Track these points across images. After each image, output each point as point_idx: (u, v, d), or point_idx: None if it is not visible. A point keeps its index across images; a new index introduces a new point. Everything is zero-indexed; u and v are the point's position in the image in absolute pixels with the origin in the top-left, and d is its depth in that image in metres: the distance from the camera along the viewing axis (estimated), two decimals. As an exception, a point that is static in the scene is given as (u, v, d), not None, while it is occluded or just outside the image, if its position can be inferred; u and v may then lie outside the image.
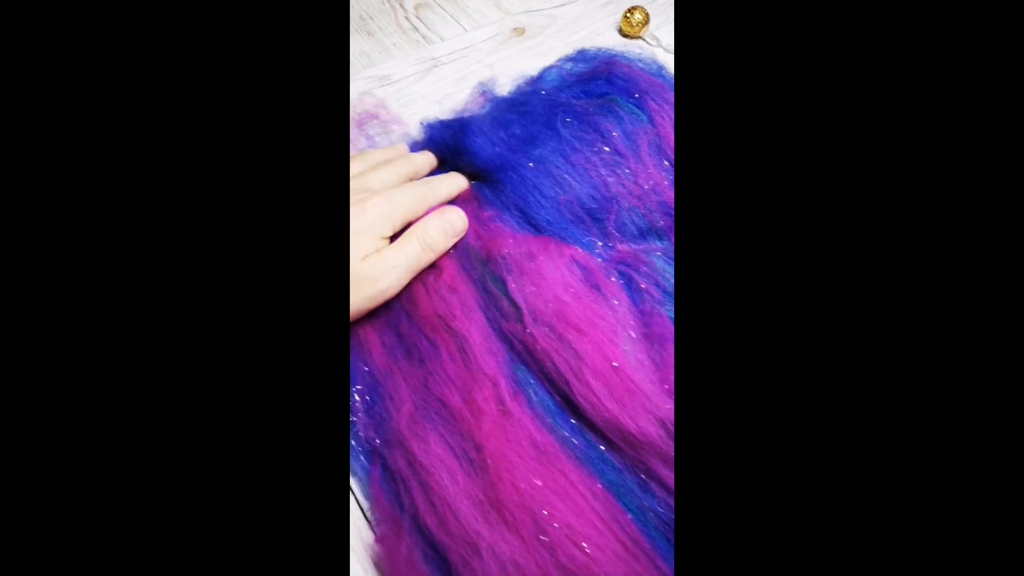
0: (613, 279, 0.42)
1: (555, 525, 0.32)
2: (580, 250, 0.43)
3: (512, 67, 0.63)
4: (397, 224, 0.41)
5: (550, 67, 0.58)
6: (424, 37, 0.68)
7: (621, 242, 0.47)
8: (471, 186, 0.48)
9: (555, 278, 0.39)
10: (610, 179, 0.47)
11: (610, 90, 0.54)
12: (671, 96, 0.52)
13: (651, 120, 0.51)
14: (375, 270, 0.39)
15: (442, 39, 0.67)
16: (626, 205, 0.47)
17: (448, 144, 0.51)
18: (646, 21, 0.65)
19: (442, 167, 0.51)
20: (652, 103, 0.51)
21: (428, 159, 0.51)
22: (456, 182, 0.48)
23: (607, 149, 0.49)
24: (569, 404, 0.37)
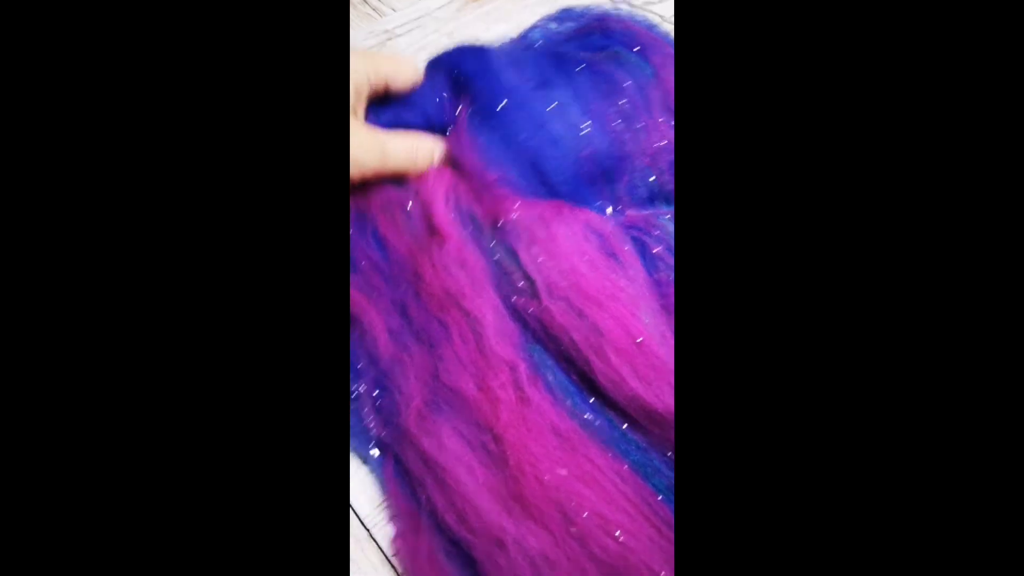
0: (627, 247, 0.40)
1: (584, 515, 0.30)
2: (593, 214, 0.40)
3: (472, 35, 0.60)
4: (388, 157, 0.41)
5: (533, 27, 0.54)
6: (375, 10, 0.65)
7: (630, 206, 0.45)
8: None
9: (570, 246, 0.37)
10: (626, 135, 0.45)
11: (610, 43, 0.51)
12: (671, 52, 0.49)
13: (656, 75, 0.48)
14: (358, 136, 0.39)
15: (394, 10, 0.64)
16: (639, 165, 0.45)
17: (464, 73, 0.46)
18: None
19: (453, 101, 0.47)
20: (655, 57, 0.49)
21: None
22: (429, 145, 0.44)
23: (623, 102, 0.46)
24: (588, 383, 0.35)
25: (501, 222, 0.38)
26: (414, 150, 0.43)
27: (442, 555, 0.31)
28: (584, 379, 0.35)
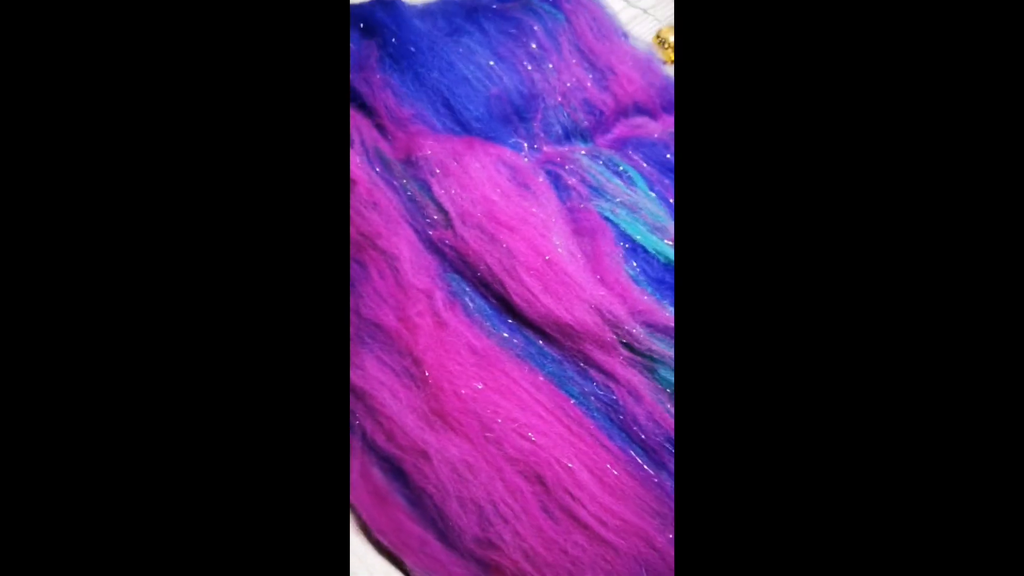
0: (541, 179, 0.41)
1: (499, 421, 0.32)
2: (506, 149, 0.42)
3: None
4: None
5: None
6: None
7: (547, 144, 0.47)
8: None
9: (482, 177, 0.39)
10: (536, 75, 0.46)
11: None
12: None
13: (568, 19, 0.50)
14: None
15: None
16: (551, 103, 0.47)
17: (375, 23, 0.47)
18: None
19: (377, 47, 0.47)
20: (567, 4, 0.50)
21: None
22: None
23: (533, 45, 0.47)
24: (505, 305, 0.37)
25: (413, 158, 0.39)
26: None
27: (376, 471, 0.33)
28: (500, 301, 0.37)
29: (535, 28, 0.49)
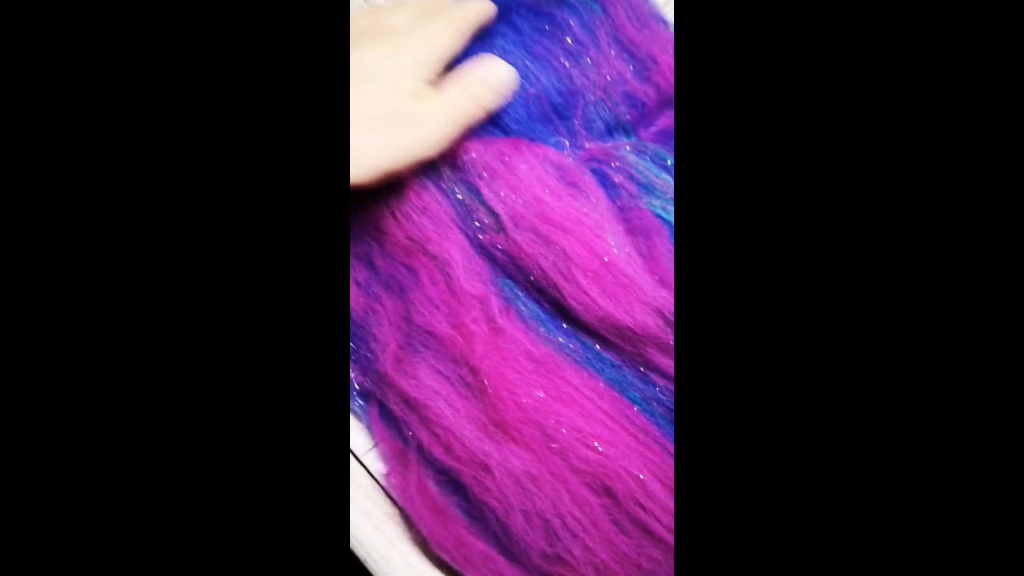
0: (587, 177, 0.40)
1: (563, 431, 0.31)
2: (551, 149, 0.41)
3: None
4: (436, 65, 0.35)
5: None
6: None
7: (588, 140, 0.46)
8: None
9: (531, 178, 0.37)
10: (574, 71, 0.45)
11: None
12: None
13: (604, 10, 0.49)
14: (427, 111, 0.33)
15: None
16: (591, 99, 0.45)
17: None
18: None
19: None
20: None
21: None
22: (480, 8, 0.40)
23: (568, 40, 0.46)
24: (559, 309, 0.36)
25: (459, 161, 0.38)
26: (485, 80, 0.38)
27: (432, 484, 0.32)
28: (555, 305, 0.36)
29: (571, 22, 0.48)
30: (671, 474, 0.30)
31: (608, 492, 0.30)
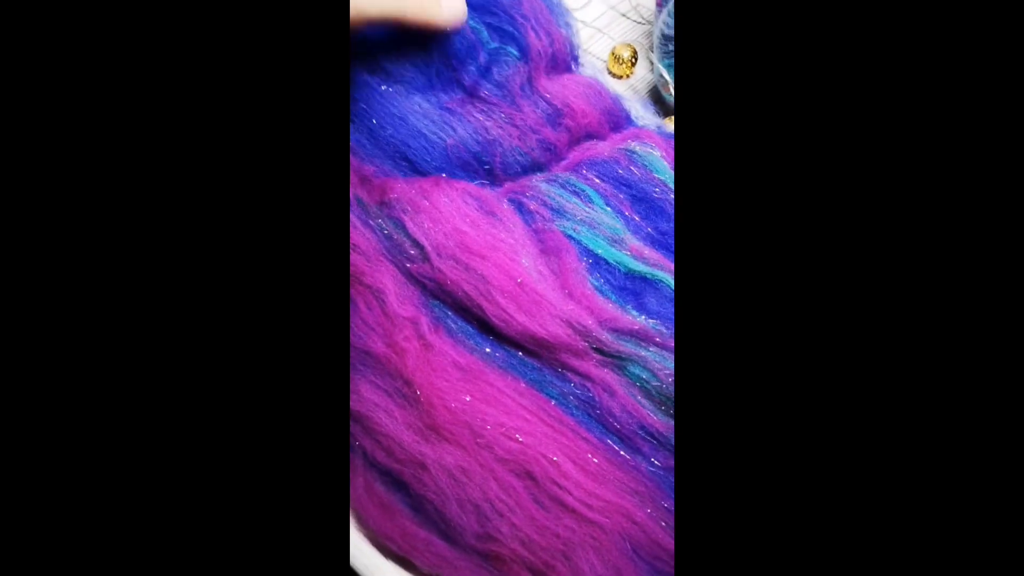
0: (505, 205, 0.45)
1: (488, 427, 0.35)
2: (471, 184, 0.45)
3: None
4: None
5: None
6: None
7: (508, 180, 0.50)
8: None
9: (451, 210, 0.42)
10: (488, 123, 0.49)
11: (491, 5, 0.54)
12: (552, 27, 0.52)
13: (525, 55, 0.51)
14: None
15: None
16: (508, 146, 0.49)
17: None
18: (635, 58, 0.61)
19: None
20: (532, 34, 0.51)
21: None
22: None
23: (484, 91, 0.50)
24: (483, 325, 0.41)
25: (386, 199, 0.43)
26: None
27: (378, 485, 0.36)
28: (480, 323, 0.41)
29: (488, 74, 0.52)
30: (583, 455, 0.35)
31: (529, 475, 0.34)
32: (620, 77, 0.62)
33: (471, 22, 0.50)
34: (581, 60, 0.55)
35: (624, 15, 0.65)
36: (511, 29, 0.51)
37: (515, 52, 0.52)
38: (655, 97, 0.60)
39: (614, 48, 0.61)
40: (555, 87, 0.51)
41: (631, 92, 0.61)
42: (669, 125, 0.55)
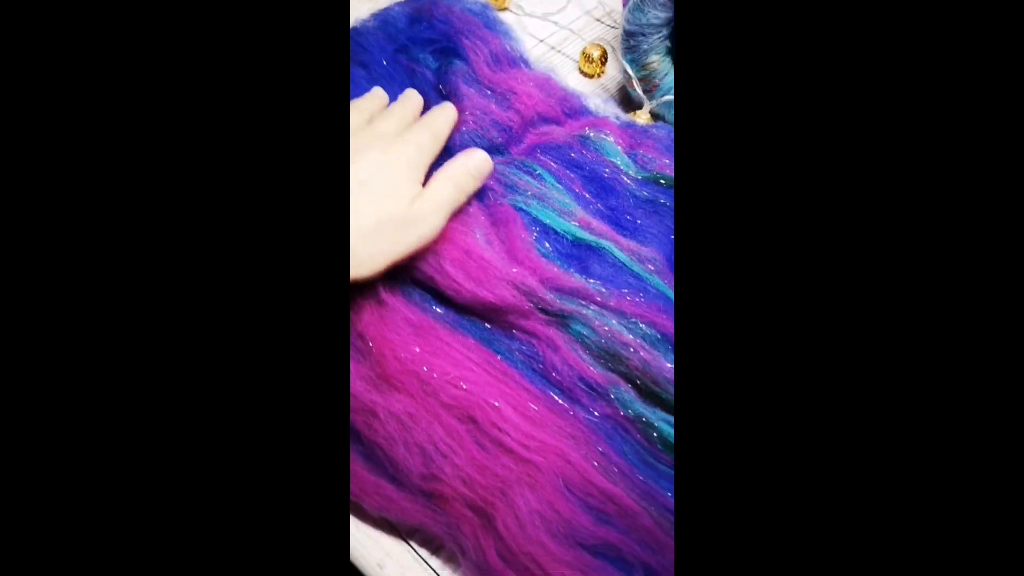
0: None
1: (435, 376, 0.38)
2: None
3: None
4: (424, 167, 0.43)
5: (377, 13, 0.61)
6: None
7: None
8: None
9: None
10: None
11: (432, 35, 0.58)
12: (485, 33, 0.57)
13: (466, 59, 0.55)
14: (423, 212, 0.40)
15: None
16: (465, 129, 0.52)
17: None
18: (604, 57, 0.63)
19: None
20: (466, 41, 0.56)
21: (419, 97, 0.51)
22: (449, 113, 0.49)
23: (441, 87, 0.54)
24: (437, 295, 0.43)
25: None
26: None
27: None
28: (434, 292, 0.43)
29: (428, 76, 0.55)
30: (524, 403, 0.38)
31: (472, 420, 0.36)
32: (591, 76, 0.65)
33: None
34: (533, 62, 0.58)
35: (598, 20, 0.69)
36: (450, 45, 0.56)
37: (457, 61, 0.56)
38: (623, 94, 0.63)
39: (584, 48, 0.65)
40: (499, 77, 0.54)
41: (602, 90, 0.64)
42: (640, 117, 0.58)
